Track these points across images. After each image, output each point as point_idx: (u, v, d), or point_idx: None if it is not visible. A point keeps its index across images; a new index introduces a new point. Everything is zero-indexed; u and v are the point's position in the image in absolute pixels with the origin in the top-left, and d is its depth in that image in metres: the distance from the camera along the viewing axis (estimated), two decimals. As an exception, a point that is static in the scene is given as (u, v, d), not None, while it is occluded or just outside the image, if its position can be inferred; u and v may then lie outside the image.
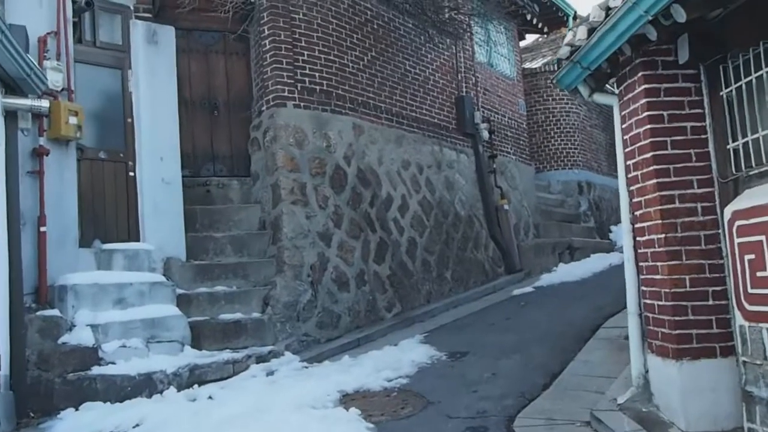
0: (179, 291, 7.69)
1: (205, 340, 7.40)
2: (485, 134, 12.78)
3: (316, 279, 8.49)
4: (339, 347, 8.09)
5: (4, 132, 6.19)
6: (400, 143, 10.60)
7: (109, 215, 7.83)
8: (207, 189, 9.06)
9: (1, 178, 6.07)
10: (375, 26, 10.53)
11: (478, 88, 13.02)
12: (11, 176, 6.20)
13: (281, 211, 8.47)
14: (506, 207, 12.72)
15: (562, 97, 16.45)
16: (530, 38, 18.42)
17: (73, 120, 7.13)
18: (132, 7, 8.37)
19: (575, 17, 15.22)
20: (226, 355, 7.16)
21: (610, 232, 16.51)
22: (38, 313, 6.49)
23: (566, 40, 5.38)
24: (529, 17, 15.05)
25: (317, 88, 9.30)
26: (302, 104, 9.08)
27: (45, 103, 6.57)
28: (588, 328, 7.83)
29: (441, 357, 7.32)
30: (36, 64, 6.29)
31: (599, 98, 5.64)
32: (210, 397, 6.26)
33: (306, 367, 7.27)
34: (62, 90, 7.27)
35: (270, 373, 6.98)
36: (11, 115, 6.35)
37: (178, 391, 6.42)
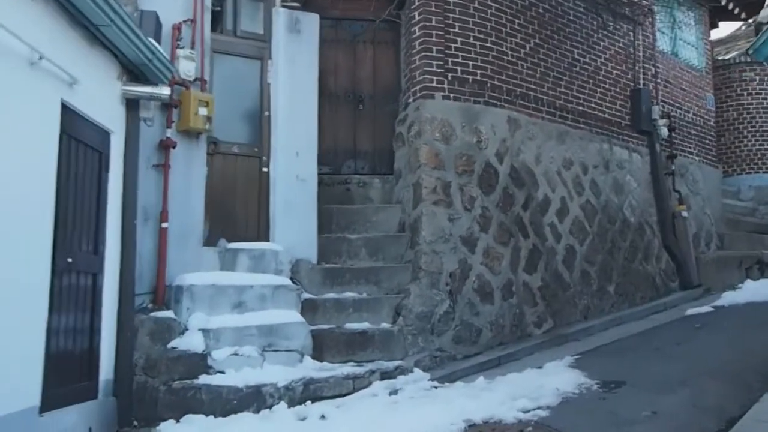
0: (306, 296, 7.23)
1: (328, 351, 6.86)
2: (664, 131, 11.39)
3: (456, 288, 7.75)
4: (476, 366, 7.32)
5: (124, 122, 5.94)
6: (562, 140, 9.58)
7: (239, 213, 7.51)
8: (347, 187, 8.60)
9: (119, 171, 5.80)
10: (540, 10, 9.57)
11: (658, 80, 11.63)
12: (130, 169, 5.93)
13: (421, 212, 7.81)
14: (684, 214, 11.29)
15: (759, 91, 14.50)
16: (726, 28, 16.46)
17: (202, 111, 6.81)
18: (278, -5, 7.99)
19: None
20: (347, 369, 6.59)
21: (814, 246, 14.43)
22: (152, 314, 6.21)
23: (770, 1, 4.29)
24: (723, 1, 13.35)
25: (470, 78, 8.52)
26: (452, 95, 8.34)
27: (165, 91, 6.15)
28: (779, 362, 6.51)
29: (591, 386, 6.28)
30: (159, 49, 5.93)
31: (812, 73, 4.47)
32: (323, 416, 5.70)
33: (435, 387, 6.58)
34: (195, 80, 7.03)
35: (393, 392, 6.33)
36: (132, 104, 6.06)
37: (289, 407, 5.90)
